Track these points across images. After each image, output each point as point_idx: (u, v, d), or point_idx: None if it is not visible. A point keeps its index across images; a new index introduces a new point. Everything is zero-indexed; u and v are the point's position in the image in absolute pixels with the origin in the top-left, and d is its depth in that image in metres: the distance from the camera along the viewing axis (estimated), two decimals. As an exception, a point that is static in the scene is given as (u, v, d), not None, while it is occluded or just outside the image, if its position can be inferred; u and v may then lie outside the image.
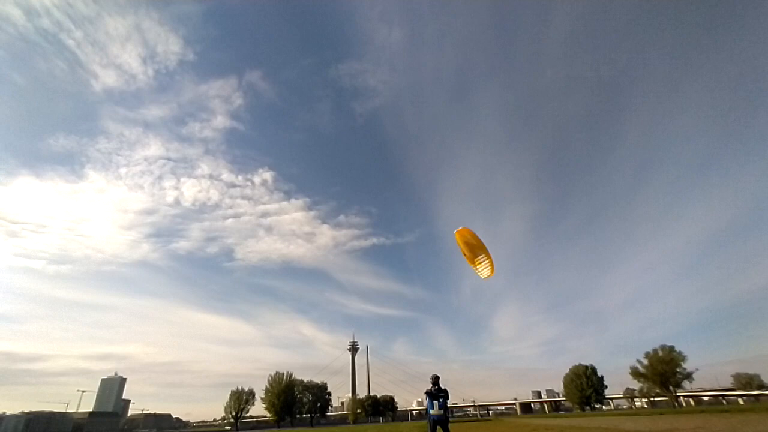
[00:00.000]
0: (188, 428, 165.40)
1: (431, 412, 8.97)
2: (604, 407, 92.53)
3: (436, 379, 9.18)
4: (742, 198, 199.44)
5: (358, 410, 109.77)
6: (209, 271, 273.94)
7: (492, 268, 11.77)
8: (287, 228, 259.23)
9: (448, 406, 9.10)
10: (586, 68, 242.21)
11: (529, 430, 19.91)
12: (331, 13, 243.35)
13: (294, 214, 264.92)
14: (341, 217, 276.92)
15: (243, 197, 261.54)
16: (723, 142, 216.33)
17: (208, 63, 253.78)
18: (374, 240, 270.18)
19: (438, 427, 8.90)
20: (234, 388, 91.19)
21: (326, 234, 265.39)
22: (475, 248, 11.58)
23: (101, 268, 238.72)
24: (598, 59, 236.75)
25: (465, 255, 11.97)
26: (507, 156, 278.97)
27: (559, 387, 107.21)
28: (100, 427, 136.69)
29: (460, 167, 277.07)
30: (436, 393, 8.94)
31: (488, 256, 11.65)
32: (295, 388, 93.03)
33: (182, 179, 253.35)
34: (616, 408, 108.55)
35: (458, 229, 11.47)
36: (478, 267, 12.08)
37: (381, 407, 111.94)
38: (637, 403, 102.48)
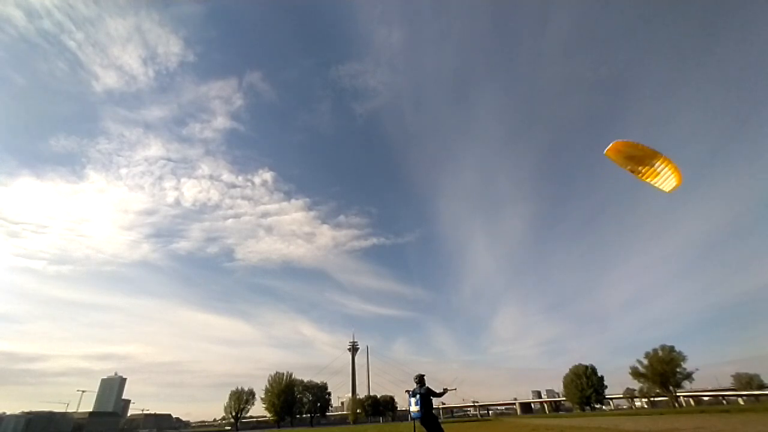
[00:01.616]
0: (188, 428, 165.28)
1: (410, 410, 8.90)
2: (604, 407, 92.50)
3: (419, 378, 9.05)
4: (742, 198, 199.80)
5: (358, 410, 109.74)
6: (209, 271, 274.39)
7: (678, 175, 9.26)
8: (287, 228, 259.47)
9: (433, 403, 8.82)
10: (586, 68, 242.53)
11: (528, 430, 19.91)
12: (332, 14, 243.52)
13: (294, 215, 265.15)
14: (341, 218, 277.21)
15: (243, 198, 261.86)
16: (723, 142, 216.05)
17: (208, 64, 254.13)
18: (374, 240, 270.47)
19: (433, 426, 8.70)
20: (234, 388, 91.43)
21: (326, 234, 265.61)
22: (645, 159, 9.43)
23: (101, 268, 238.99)
24: (598, 59, 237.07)
25: (633, 172, 9.92)
26: (507, 156, 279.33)
27: (559, 387, 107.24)
28: (100, 427, 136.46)
29: (460, 167, 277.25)
30: (415, 391, 8.82)
31: (666, 161, 9.26)
32: (295, 388, 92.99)
33: (182, 180, 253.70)
34: (616, 408, 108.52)
35: (608, 147, 9.45)
36: (656, 181, 9.64)
37: (381, 407, 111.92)
38: (637, 403, 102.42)
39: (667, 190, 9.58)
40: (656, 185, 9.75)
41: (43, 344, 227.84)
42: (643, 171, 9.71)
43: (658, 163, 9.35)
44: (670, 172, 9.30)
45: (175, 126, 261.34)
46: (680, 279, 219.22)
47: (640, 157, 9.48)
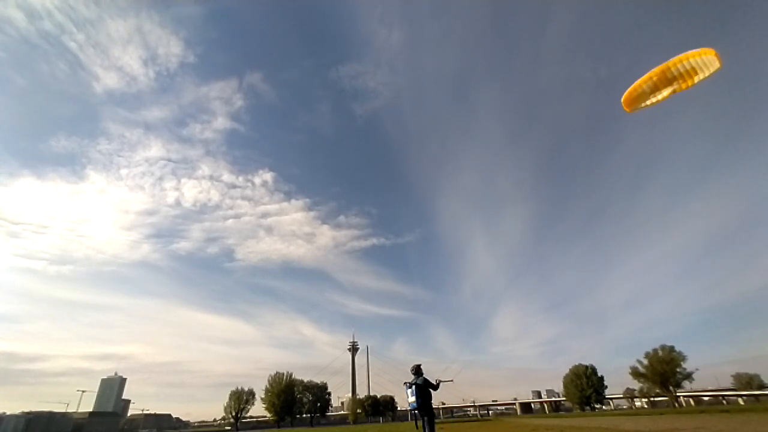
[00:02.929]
0: (188, 428, 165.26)
1: (408, 401, 8.98)
2: (604, 407, 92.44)
3: (415, 369, 9.11)
4: (742, 198, 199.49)
5: (358, 410, 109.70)
6: (210, 272, 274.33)
7: (708, 52, 7.72)
8: (287, 228, 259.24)
9: (431, 392, 8.86)
10: (586, 68, 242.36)
11: (529, 430, 19.90)
12: (332, 15, 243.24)
13: (294, 215, 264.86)
14: (341, 218, 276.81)
15: (243, 198, 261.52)
16: (723, 142, 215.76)
17: (208, 65, 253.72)
18: (374, 240, 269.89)
19: (424, 417, 8.74)
20: (234, 388, 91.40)
21: (326, 234, 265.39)
22: (665, 74, 8.15)
23: (102, 268, 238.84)
24: (598, 59, 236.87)
25: (676, 91, 8.69)
26: (507, 156, 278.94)
27: (559, 387, 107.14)
28: (100, 427, 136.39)
29: (460, 167, 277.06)
30: (412, 382, 8.90)
31: (683, 58, 7.89)
32: (295, 388, 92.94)
33: (183, 180, 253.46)
34: (616, 408, 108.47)
35: (624, 105, 8.49)
36: (698, 77, 8.13)
37: (381, 407, 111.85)
38: (637, 403, 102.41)
39: (719, 66, 7.93)
40: (704, 79, 8.17)
41: (43, 344, 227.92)
42: (677, 84, 8.50)
43: (681, 65, 8.00)
44: (699, 59, 7.85)
45: (175, 127, 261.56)
46: (680, 279, 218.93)
47: (661, 80, 8.44)
